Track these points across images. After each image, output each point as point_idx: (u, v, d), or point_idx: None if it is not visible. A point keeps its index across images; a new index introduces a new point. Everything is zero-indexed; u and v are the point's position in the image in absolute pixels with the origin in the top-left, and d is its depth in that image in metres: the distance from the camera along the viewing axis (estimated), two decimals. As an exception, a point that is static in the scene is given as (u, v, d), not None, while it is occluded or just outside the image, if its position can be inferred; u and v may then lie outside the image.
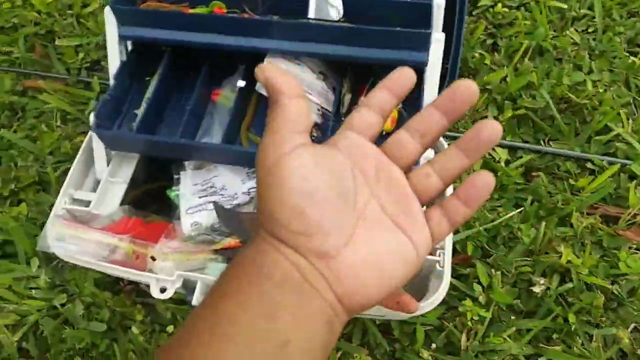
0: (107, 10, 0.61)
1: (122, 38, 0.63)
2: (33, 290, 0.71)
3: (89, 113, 0.81)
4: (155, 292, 0.56)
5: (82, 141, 0.78)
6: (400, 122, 0.64)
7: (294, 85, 0.31)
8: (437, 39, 0.59)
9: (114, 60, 0.64)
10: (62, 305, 0.70)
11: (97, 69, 0.88)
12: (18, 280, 0.72)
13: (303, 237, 0.29)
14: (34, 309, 0.70)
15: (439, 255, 0.57)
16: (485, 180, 0.31)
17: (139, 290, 0.72)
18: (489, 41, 0.85)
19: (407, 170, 0.33)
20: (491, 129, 0.31)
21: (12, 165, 0.78)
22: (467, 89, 0.31)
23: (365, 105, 0.33)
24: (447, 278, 0.56)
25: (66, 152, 0.78)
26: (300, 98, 0.31)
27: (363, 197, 0.31)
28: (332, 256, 0.29)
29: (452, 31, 0.68)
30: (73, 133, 0.81)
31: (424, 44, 0.58)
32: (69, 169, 0.78)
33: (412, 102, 0.64)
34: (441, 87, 0.63)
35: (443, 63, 0.61)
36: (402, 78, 0.33)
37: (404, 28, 0.58)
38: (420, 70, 0.63)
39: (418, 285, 0.64)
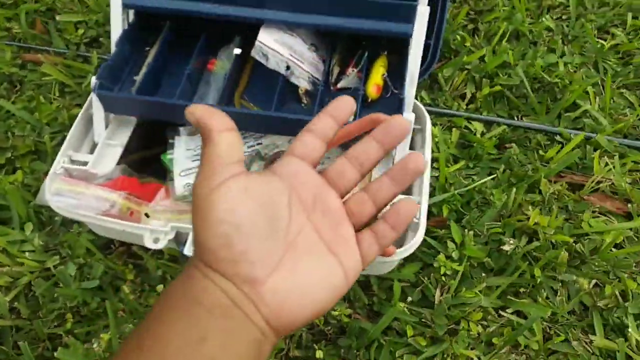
0: (111, -22, 0.64)
1: (125, 6, 0.66)
2: (27, 253, 0.72)
3: (86, 86, 0.84)
4: (148, 243, 0.59)
5: (79, 112, 0.81)
6: (385, 91, 0.68)
7: (224, 120, 0.33)
8: (422, 12, 0.63)
9: (117, 28, 0.67)
10: (55, 267, 0.71)
11: (95, 45, 0.91)
12: (12, 243, 0.73)
13: (231, 264, 0.31)
14: (27, 271, 0.71)
15: (416, 209, 0.61)
16: (408, 208, 0.36)
17: (130, 252, 0.74)
18: (470, 26, 0.90)
19: (344, 195, 0.37)
20: (416, 161, 0.35)
21: (10, 135, 0.80)
22: (400, 124, 0.36)
23: (308, 131, 0.36)
24: (422, 226, 0.58)
25: (63, 122, 0.80)
26: (230, 131, 0.33)
27: (297, 224, 0.33)
28: (260, 282, 0.31)
29: (436, 7, 0.73)
30: (70, 105, 0.83)
31: (409, 16, 0.63)
32: (65, 138, 0.80)
33: (396, 73, 0.69)
34: (425, 64, 0.68)
35: (426, 39, 0.65)
36: (343, 106, 0.37)
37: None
38: (405, 42, 0.69)
39: (397, 241, 0.68)
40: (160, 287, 0.70)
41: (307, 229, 0.34)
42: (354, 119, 0.65)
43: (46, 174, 0.77)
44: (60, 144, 0.81)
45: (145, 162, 0.74)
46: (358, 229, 0.36)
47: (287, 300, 0.31)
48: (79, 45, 0.89)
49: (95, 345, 0.68)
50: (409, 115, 0.62)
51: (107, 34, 0.90)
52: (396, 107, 0.67)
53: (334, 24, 0.64)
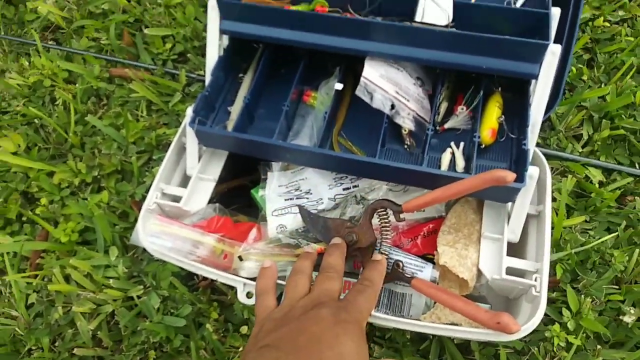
0: (211, 4, 0.61)
1: (223, 32, 0.63)
2: (110, 280, 0.71)
3: (174, 105, 0.82)
4: (241, 297, 0.56)
5: (164, 132, 0.79)
6: (500, 135, 0.61)
7: None
8: (553, 51, 0.56)
9: (212, 55, 0.64)
10: (139, 297, 0.70)
11: (182, 60, 0.88)
12: (96, 268, 0.72)
13: None
14: (110, 299, 0.70)
15: (535, 280, 0.55)
16: None
17: (214, 287, 0.72)
18: (587, 56, 0.81)
19: None
20: None
21: (96, 152, 0.79)
22: None
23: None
24: (543, 302, 0.53)
25: (149, 142, 0.78)
26: None
27: None
28: None
29: (559, 44, 0.65)
30: (157, 124, 0.81)
31: (538, 55, 0.56)
32: (150, 158, 0.79)
33: (518, 115, 0.62)
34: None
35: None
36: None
37: (514, 37, 0.56)
38: (525, 82, 0.62)
39: (508, 305, 0.62)
40: (244, 329, 0.67)
41: None
42: (466, 165, 0.60)
43: (132, 196, 0.76)
44: (146, 164, 0.80)
45: (233, 190, 0.71)
46: None
47: None
48: (166, 62, 0.87)
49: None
50: (532, 171, 0.56)
51: (195, 50, 0.88)
52: (513, 155, 0.60)
53: (451, 61, 0.58)
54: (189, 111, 0.61)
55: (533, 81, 0.61)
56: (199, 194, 0.63)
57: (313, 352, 0.38)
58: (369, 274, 0.50)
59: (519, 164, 0.57)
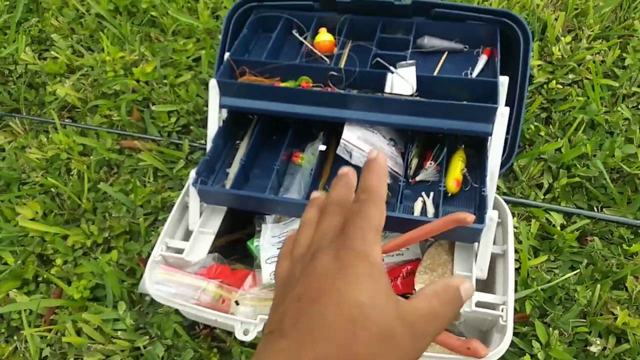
0: (212, 83, 0.71)
1: (222, 107, 0.73)
2: (119, 332, 0.77)
3: (177, 171, 0.91)
4: (239, 334, 0.62)
5: (169, 195, 0.87)
6: (464, 185, 0.70)
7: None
8: (502, 112, 0.66)
9: (213, 125, 0.74)
10: (144, 347, 0.75)
11: (185, 132, 0.98)
12: (106, 321, 0.78)
13: None
14: (119, 349, 0.76)
15: (502, 310, 0.61)
16: None
17: (214, 335, 0.77)
18: (543, 115, 0.92)
19: None
20: None
21: (107, 216, 0.87)
22: None
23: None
24: (510, 330, 0.58)
25: (155, 205, 0.87)
26: None
27: None
28: None
29: (512, 105, 0.75)
30: (162, 188, 0.90)
31: (490, 117, 0.65)
32: (156, 219, 0.87)
33: (474, 166, 0.71)
34: (503, 157, 0.70)
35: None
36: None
37: (471, 102, 0.66)
38: (484, 139, 0.71)
39: (483, 339, 0.67)
40: (242, 373, 0.72)
41: None
42: (435, 211, 0.68)
43: (139, 254, 0.83)
44: (152, 224, 0.87)
45: (231, 244, 0.78)
46: None
47: None
48: (171, 133, 0.97)
49: None
50: (492, 214, 0.64)
51: (197, 122, 0.98)
52: (477, 201, 0.69)
53: (418, 124, 0.68)
54: (192, 173, 0.69)
55: (490, 138, 0.71)
56: (200, 246, 0.70)
57: (317, 330, 0.30)
58: (365, 182, 0.38)
59: (478, 207, 0.65)
